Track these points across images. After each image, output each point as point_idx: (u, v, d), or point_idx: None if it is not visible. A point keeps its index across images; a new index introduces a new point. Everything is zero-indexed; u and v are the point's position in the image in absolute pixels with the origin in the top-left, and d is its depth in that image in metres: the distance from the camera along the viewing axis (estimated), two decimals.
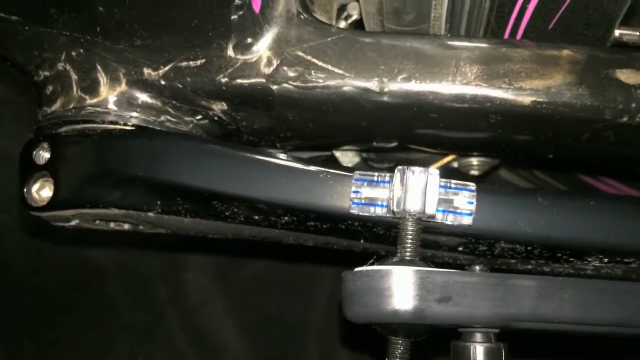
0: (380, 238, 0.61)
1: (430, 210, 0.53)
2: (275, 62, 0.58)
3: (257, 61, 0.58)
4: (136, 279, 1.31)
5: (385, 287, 0.49)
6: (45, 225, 0.69)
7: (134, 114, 0.62)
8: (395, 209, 0.53)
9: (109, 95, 0.61)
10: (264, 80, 0.58)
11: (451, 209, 0.55)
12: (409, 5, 0.59)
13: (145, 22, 0.59)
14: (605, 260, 0.59)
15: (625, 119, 0.56)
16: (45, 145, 0.63)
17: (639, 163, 0.74)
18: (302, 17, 0.58)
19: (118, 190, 0.61)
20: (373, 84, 0.57)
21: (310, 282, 1.32)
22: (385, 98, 0.57)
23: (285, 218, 0.60)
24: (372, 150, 0.88)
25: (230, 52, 0.58)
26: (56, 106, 0.63)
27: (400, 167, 0.54)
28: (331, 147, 0.85)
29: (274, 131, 0.68)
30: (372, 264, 0.51)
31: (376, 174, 0.56)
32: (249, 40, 0.58)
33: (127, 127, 0.62)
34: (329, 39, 0.58)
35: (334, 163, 0.89)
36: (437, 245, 0.61)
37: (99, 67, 0.61)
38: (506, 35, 0.61)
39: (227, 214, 0.62)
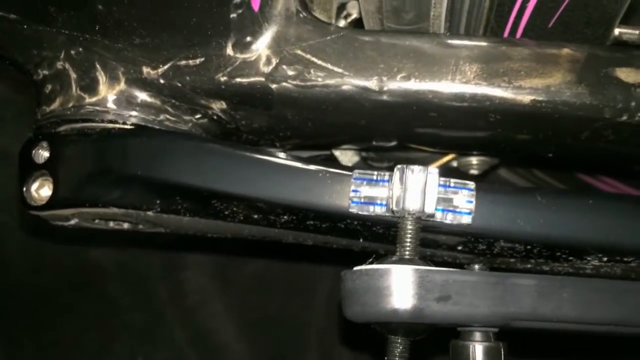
0: (379, 237, 0.61)
1: (429, 209, 0.53)
2: (274, 61, 0.58)
3: (256, 60, 0.58)
4: (136, 278, 1.31)
5: (384, 286, 0.49)
6: (44, 224, 0.69)
7: (133, 112, 0.62)
8: (395, 208, 0.53)
9: (108, 94, 0.61)
10: (263, 79, 0.58)
11: (450, 208, 0.55)
12: (408, 4, 0.59)
13: (144, 21, 0.59)
14: (605, 259, 0.59)
15: (624, 117, 0.56)
16: (45, 144, 0.63)
17: (638, 162, 0.74)
18: (301, 15, 0.58)
19: (117, 189, 0.61)
20: (372, 83, 0.57)
21: (310, 281, 1.32)
22: (385, 97, 0.57)
23: (285, 217, 0.60)
24: (371, 150, 0.87)
25: (229, 50, 0.58)
26: (55, 105, 0.63)
27: (399, 166, 0.54)
28: (330, 146, 0.85)
29: (273, 130, 0.67)
30: (371, 263, 0.51)
31: (375, 172, 0.56)
32: (248, 39, 0.58)
33: (126, 126, 0.62)
34: (328, 37, 0.58)
35: (334, 162, 0.89)
36: (436, 244, 0.61)
37: (98, 65, 0.61)
38: (506, 34, 0.61)
39: (226, 213, 0.61)
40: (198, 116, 0.64)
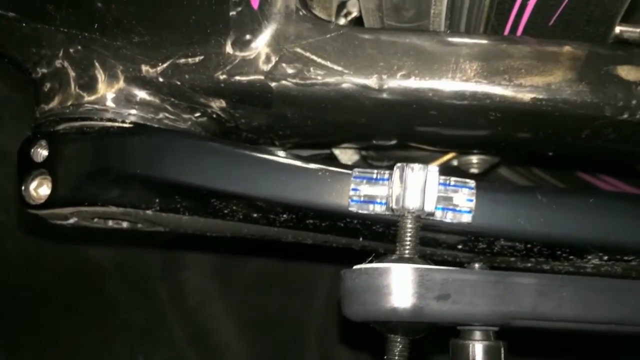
0: (379, 236, 0.61)
1: (429, 207, 0.53)
2: (273, 59, 0.58)
3: (255, 58, 0.58)
4: (136, 277, 1.31)
5: (383, 285, 0.48)
6: (43, 223, 0.69)
7: (132, 111, 0.62)
8: (394, 207, 0.53)
9: (107, 92, 0.61)
10: (262, 77, 0.58)
11: (450, 207, 0.55)
12: (408, 2, 0.59)
13: (143, 19, 0.59)
14: (605, 258, 0.59)
15: (625, 115, 0.56)
16: (43, 142, 0.63)
17: (639, 160, 0.73)
18: (300, 13, 0.58)
19: (116, 188, 0.61)
20: (372, 81, 0.56)
21: (310, 281, 1.32)
22: (385, 95, 0.57)
23: (284, 216, 0.60)
24: (371, 148, 0.87)
25: (228, 48, 0.58)
26: (54, 103, 0.63)
27: (399, 164, 0.54)
28: (330, 145, 0.84)
29: (273, 129, 0.67)
30: (371, 261, 0.51)
31: (375, 171, 0.56)
32: (248, 36, 0.58)
33: (125, 125, 0.62)
34: (328, 35, 0.58)
35: (333, 161, 0.89)
36: (436, 243, 0.61)
37: (96, 64, 0.61)
38: (506, 32, 0.60)
39: (225, 211, 0.61)
40: (197, 114, 0.64)
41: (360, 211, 0.56)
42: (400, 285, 0.48)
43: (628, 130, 0.58)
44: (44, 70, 0.63)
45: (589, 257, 0.59)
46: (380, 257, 0.52)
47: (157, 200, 0.61)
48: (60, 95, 0.62)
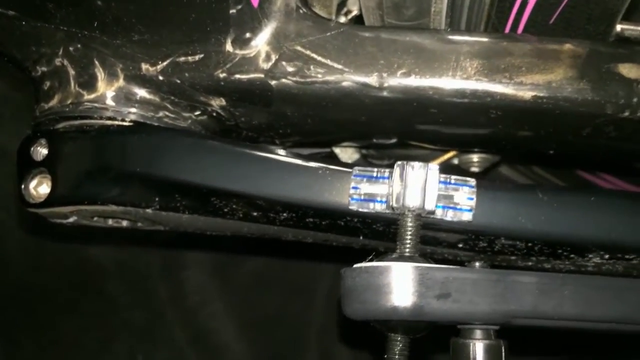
0: (379, 234, 0.61)
1: (429, 206, 0.53)
2: (273, 57, 0.57)
3: (255, 56, 0.58)
4: (136, 277, 1.31)
5: (384, 284, 0.48)
6: (43, 222, 0.69)
7: (132, 109, 0.62)
8: (395, 205, 0.53)
9: (106, 90, 0.61)
10: (262, 76, 0.58)
11: (451, 205, 0.54)
12: (409, 0, 0.59)
13: (143, 17, 0.59)
14: (606, 256, 0.59)
15: (626, 113, 0.55)
16: (43, 141, 0.63)
17: None
18: (301, 11, 0.58)
19: (116, 186, 0.61)
20: (372, 79, 0.56)
21: (310, 280, 1.31)
22: (385, 93, 0.57)
23: (284, 214, 0.60)
24: (372, 147, 0.87)
25: (228, 47, 0.58)
26: (54, 102, 0.62)
27: (399, 163, 0.53)
28: (331, 143, 0.84)
29: (273, 127, 0.67)
30: (371, 260, 0.51)
31: (375, 169, 0.56)
32: (248, 35, 0.58)
33: (125, 123, 0.61)
34: (328, 33, 0.57)
35: (333, 159, 0.89)
36: (436, 242, 0.61)
37: (96, 62, 0.61)
38: (507, 31, 0.60)
39: (225, 210, 0.61)
40: (197, 113, 0.64)
41: (360, 209, 0.56)
42: (400, 284, 0.48)
43: (629, 128, 0.58)
44: (44, 69, 0.63)
45: (590, 255, 0.59)
46: (380, 255, 0.51)
47: (157, 199, 0.61)
48: (60, 94, 0.62)
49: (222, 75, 0.58)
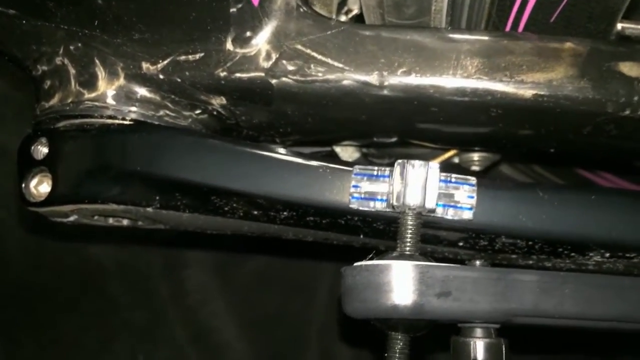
0: (380, 233, 0.61)
1: (430, 204, 0.53)
2: (274, 56, 0.57)
3: (256, 55, 0.58)
4: (136, 276, 1.31)
5: (384, 282, 0.48)
6: (44, 221, 0.69)
7: (133, 108, 0.62)
8: (395, 203, 0.53)
9: (107, 89, 0.61)
10: (263, 74, 0.58)
11: (451, 203, 0.54)
12: None
13: (143, 16, 0.59)
14: (607, 255, 0.59)
15: (627, 112, 0.55)
16: (44, 140, 0.63)
17: None
18: (301, 10, 0.58)
19: (116, 185, 0.61)
20: (373, 78, 0.56)
21: (310, 279, 1.31)
22: (385, 92, 0.57)
23: (285, 213, 0.60)
24: (372, 146, 0.87)
25: (229, 45, 0.58)
26: (54, 101, 0.62)
27: (400, 161, 0.53)
28: (331, 142, 0.84)
29: (274, 126, 0.67)
30: (371, 259, 0.51)
31: (376, 168, 0.56)
32: (248, 33, 0.58)
33: (125, 122, 0.61)
34: (329, 32, 0.57)
35: (334, 158, 0.89)
36: (437, 240, 0.61)
37: (97, 61, 0.61)
38: (508, 29, 0.60)
39: (226, 209, 0.61)
40: (198, 112, 0.64)
41: (360, 208, 0.56)
42: (401, 282, 0.48)
43: (630, 126, 0.58)
44: (44, 68, 0.63)
45: (591, 254, 0.59)
46: (381, 254, 0.51)
47: (157, 198, 0.61)
48: (61, 93, 0.62)
49: (222, 74, 0.58)
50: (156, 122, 0.62)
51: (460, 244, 0.61)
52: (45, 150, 0.63)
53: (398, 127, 0.68)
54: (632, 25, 0.60)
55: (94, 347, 1.26)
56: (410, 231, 0.52)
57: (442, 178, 0.54)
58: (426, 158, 0.83)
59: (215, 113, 0.64)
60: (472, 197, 0.55)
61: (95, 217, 0.68)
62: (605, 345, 1.13)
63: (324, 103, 0.59)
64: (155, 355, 1.27)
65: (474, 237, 0.59)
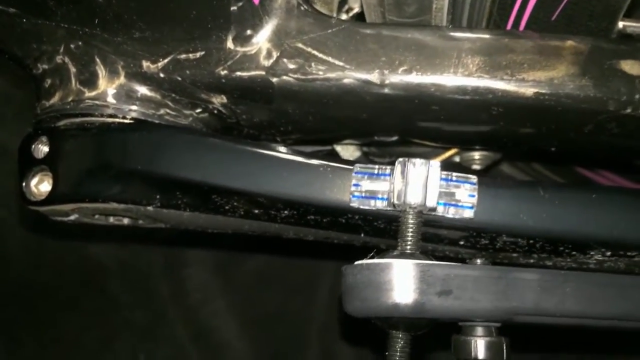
0: (380, 232, 0.60)
1: (431, 202, 0.52)
2: (275, 54, 0.57)
3: (256, 53, 0.58)
4: (137, 275, 1.31)
5: (385, 281, 0.48)
6: (44, 220, 0.69)
7: (133, 107, 0.62)
8: (396, 202, 0.53)
9: (107, 88, 0.61)
10: (263, 73, 0.57)
11: (452, 202, 0.54)
12: None
13: (143, 14, 0.59)
14: (608, 253, 0.58)
15: (629, 110, 0.55)
16: (44, 139, 0.63)
17: None
18: (302, 8, 0.58)
19: (117, 184, 0.61)
20: (374, 76, 0.56)
21: (311, 278, 1.31)
22: (386, 90, 0.57)
23: (285, 212, 0.60)
24: (373, 145, 0.87)
25: (229, 44, 0.58)
26: (55, 99, 0.62)
27: (400, 159, 0.53)
28: (332, 141, 0.84)
29: (274, 125, 0.67)
30: (372, 257, 0.51)
31: (377, 166, 0.56)
32: (249, 32, 0.57)
33: (126, 121, 0.61)
34: (329, 30, 0.57)
35: (335, 157, 0.88)
36: (438, 239, 0.61)
37: (97, 59, 0.61)
38: (509, 27, 0.60)
39: (226, 207, 0.61)
40: (198, 110, 0.64)
41: (361, 207, 0.56)
42: (401, 281, 0.48)
43: (631, 124, 0.57)
44: (45, 66, 0.63)
45: (592, 253, 0.59)
46: (381, 253, 0.51)
47: (158, 197, 0.61)
48: (61, 91, 0.62)
49: (223, 73, 0.58)
50: (157, 121, 0.62)
51: (461, 242, 0.61)
52: (45, 149, 0.63)
53: (399, 126, 0.68)
54: (634, 24, 0.59)
55: (94, 346, 1.26)
56: (411, 230, 0.52)
57: (443, 176, 0.54)
58: (427, 157, 0.83)
59: (215, 112, 0.64)
60: (473, 196, 0.55)
61: (96, 216, 0.68)
62: (606, 344, 1.13)
63: (324, 102, 0.59)
64: (156, 354, 1.27)
65: (475, 236, 0.59)
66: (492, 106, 0.57)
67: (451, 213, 0.55)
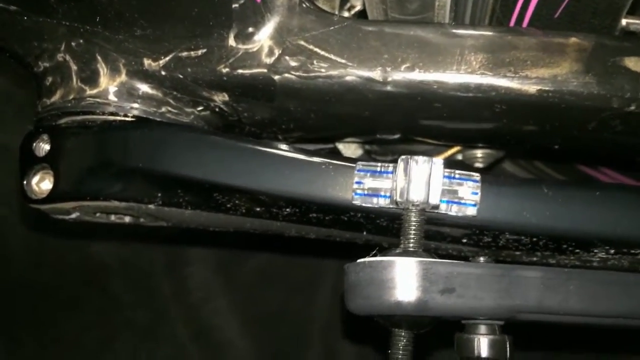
0: (383, 230, 0.60)
1: (434, 200, 0.52)
2: (276, 52, 0.57)
3: (258, 51, 0.57)
4: (138, 274, 1.31)
5: (387, 279, 0.48)
6: (46, 218, 0.69)
7: (135, 105, 0.61)
8: (399, 200, 0.53)
9: (109, 86, 0.61)
10: (265, 70, 0.57)
11: (455, 200, 0.54)
12: None
13: (145, 12, 0.59)
14: (612, 251, 0.58)
15: (632, 107, 0.55)
16: (45, 137, 0.63)
17: None
18: (304, 5, 0.57)
19: (118, 182, 0.61)
20: (376, 74, 0.56)
21: (313, 276, 1.31)
22: (389, 88, 0.56)
23: (287, 210, 0.60)
24: (375, 142, 0.87)
25: (231, 41, 0.58)
26: (56, 97, 0.62)
27: (403, 157, 0.53)
28: (334, 139, 0.84)
29: (276, 122, 0.67)
30: (374, 255, 0.50)
31: (379, 164, 0.55)
32: (251, 29, 0.57)
33: (127, 118, 0.61)
34: (332, 27, 0.57)
35: (337, 155, 0.88)
36: (441, 237, 0.61)
37: (98, 57, 0.61)
38: (512, 24, 0.60)
39: (228, 206, 0.61)
40: (200, 108, 0.64)
41: (364, 204, 0.56)
42: (404, 279, 0.48)
43: (635, 122, 0.57)
44: (46, 64, 0.63)
45: (595, 250, 0.58)
46: (384, 251, 0.51)
47: (159, 195, 0.61)
48: (62, 89, 0.62)
49: (224, 70, 0.58)
50: (158, 119, 0.62)
51: (464, 240, 0.60)
52: (47, 147, 0.63)
53: (401, 123, 0.68)
54: (637, 21, 0.59)
55: (95, 346, 1.26)
56: (413, 227, 0.52)
57: (446, 174, 0.54)
58: (429, 155, 0.83)
59: (217, 109, 0.64)
60: (476, 194, 0.54)
61: (97, 214, 0.68)
62: (609, 342, 1.13)
63: (326, 99, 0.59)
64: (158, 353, 1.27)
65: (477, 234, 0.58)
66: (495, 104, 0.57)
67: (454, 211, 0.54)
